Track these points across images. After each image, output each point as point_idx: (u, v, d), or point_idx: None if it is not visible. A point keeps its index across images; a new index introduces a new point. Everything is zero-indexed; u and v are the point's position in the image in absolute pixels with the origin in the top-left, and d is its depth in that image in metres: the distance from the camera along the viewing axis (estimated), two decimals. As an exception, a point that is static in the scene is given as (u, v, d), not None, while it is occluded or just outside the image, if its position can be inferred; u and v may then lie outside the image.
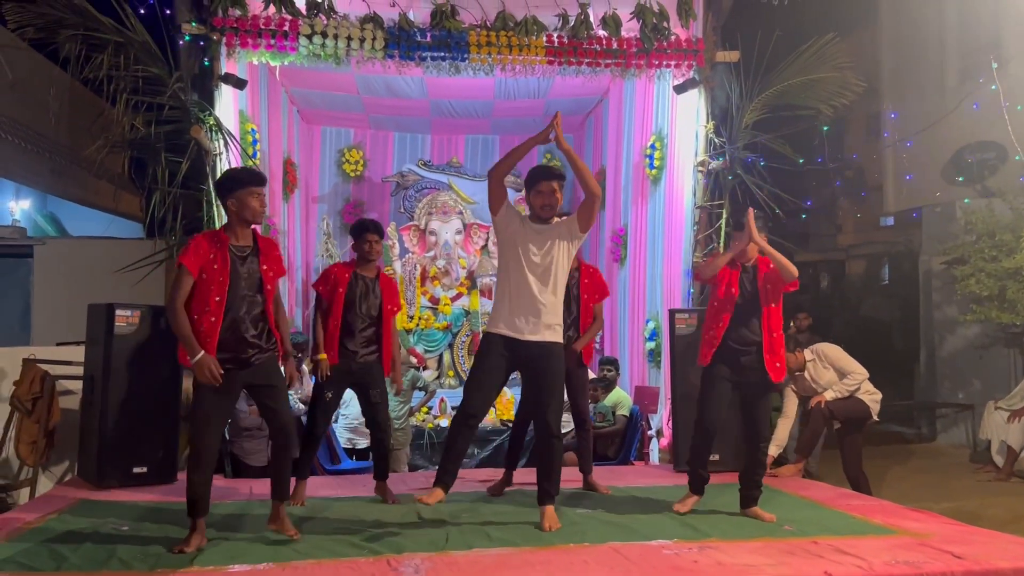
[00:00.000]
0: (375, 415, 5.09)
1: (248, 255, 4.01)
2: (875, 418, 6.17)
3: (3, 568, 3.51)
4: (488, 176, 4.42)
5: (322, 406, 5.00)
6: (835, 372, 6.13)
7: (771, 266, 4.59)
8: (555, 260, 4.24)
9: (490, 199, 4.33)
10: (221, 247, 3.94)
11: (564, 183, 4.47)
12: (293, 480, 4.39)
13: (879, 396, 6.15)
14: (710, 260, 4.98)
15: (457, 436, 4.27)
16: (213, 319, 3.86)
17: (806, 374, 6.20)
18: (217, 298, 3.87)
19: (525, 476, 5.58)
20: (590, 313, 5.39)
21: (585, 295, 5.35)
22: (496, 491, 5.18)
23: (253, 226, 4.11)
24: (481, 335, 4.51)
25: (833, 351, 6.21)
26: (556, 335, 4.26)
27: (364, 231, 5.04)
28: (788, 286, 4.55)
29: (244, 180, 4.03)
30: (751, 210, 4.62)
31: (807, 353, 6.23)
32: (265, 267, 4.04)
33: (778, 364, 4.55)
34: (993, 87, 9.22)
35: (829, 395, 6.04)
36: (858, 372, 6.08)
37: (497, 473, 5.52)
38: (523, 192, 4.60)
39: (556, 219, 4.38)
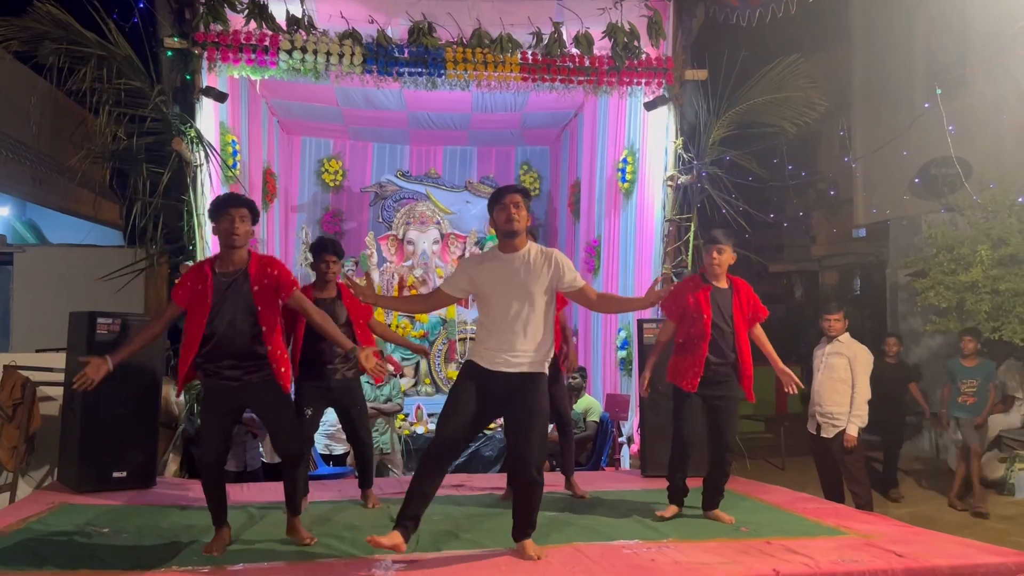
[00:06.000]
0: (357, 430, 5.19)
1: (236, 279, 4.02)
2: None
3: (-14, 567, 3.63)
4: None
5: (303, 424, 4.92)
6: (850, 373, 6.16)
7: (746, 289, 4.82)
8: (526, 289, 3.91)
9: (450, 299, 4.22)
10: (204, 277, 4.02)
11: (529, 199, 4.11)
12: None
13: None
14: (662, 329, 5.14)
15: (424, 475, 3.85)
16: (189, 345, 3.99)
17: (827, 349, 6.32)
18: (196, 324, 3.98)
19: (496, 481, 5.76)
20: (558, 324, 5.52)
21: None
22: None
23: (247, 249, 4.10)
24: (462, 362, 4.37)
25: (863, 360, 6.22)
26: (536, 366, 3.92)
27: (322, 251, 5.06)
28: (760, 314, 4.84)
29: (218, 205, 4.07)
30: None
31: (844, 337, 6.27)
32: (256, 288, 4.01)
33: (745, 380, 4.75)
34: (939, 113, 9.49)
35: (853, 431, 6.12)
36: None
37: (473, 478, 5.67)
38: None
39: (529, 241, 4.10)
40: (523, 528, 3.95)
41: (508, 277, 3.93)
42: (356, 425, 5.18)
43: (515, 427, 3.91)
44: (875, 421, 8.10)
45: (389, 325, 9.55)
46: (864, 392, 6.16)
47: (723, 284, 4.81)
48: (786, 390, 4.68)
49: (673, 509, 4.81)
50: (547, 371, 4.00)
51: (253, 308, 3.98)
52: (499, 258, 4.00)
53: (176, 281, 4.14)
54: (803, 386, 4.80)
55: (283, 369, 4.03)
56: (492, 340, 3.91)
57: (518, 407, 3.89)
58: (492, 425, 8.09)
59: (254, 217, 4.09)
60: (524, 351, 3.87)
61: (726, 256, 4.77)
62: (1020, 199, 8.31)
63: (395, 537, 3.69)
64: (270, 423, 4.15)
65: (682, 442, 4.79)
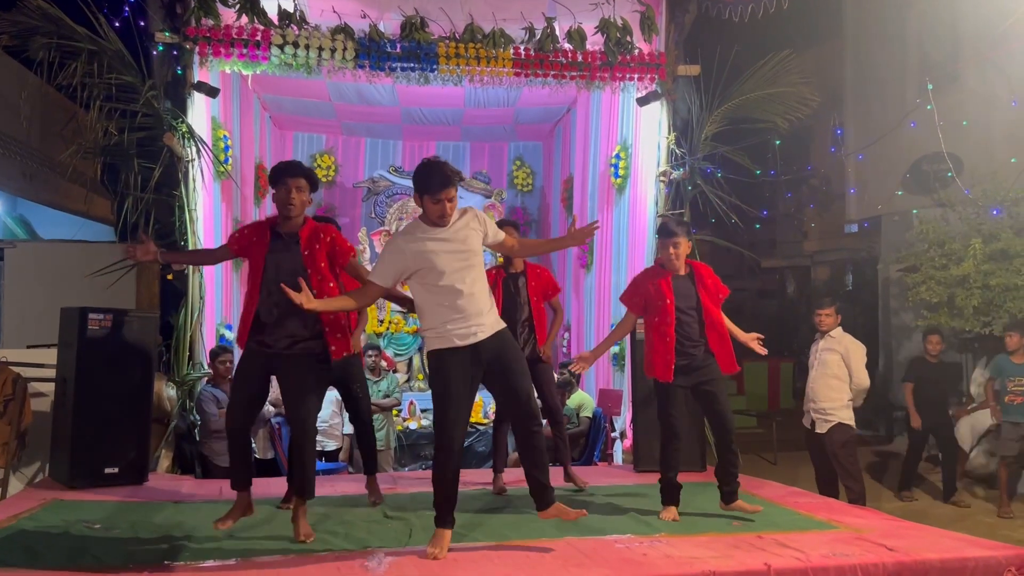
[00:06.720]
0: (358, 409, 5.15)
1: (288, 241, 4.08)
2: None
3: (-23, 565, 3.62)
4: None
5: None
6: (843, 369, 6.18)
7: (707, 271, 4.80)
8: (469, 253, 3.92)
9: (383, 291, 4.11)
10: (263, 232, 4.12)
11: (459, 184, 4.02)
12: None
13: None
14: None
15: (447, 474, 3.89)
16: (250, 298, 4.07)
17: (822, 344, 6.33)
18: (254, 280, 4.06)
19: (490, 476, 5.76)
20: (543, 312, 5.48)
21: (535, 297, 5.41)
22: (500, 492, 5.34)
23: (303, 215, 4.15)
24: (427, 356, 4.11)
25: (857, 353, 6.22)
26: (499, 320, 4.02)
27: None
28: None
29: (276, 174, 4.13)
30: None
31: (837, 332, 6.28)
32: (307, 253, 4.05)
33: (725, 357, 4.69)
34: (929, 106, 9.57)
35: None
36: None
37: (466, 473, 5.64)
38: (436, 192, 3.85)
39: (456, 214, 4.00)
40: (543, 485, 3.95)
41: (452, 247, 3.88)
42: (359, 404, 5.13)
43: (507, 379, 3.96)
44: (929, 426, 8.01)
45: (382, 323, 9.56)
46: (862, 381, 6.14)
47: (683, 272, 4.76)
48: (759, 351, 4.73)
49: (672, 510, 4.65)
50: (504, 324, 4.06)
51: (302, 271, 4.01)
52: (433, 232, 3.90)
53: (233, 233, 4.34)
54: (764, 351, 4.80)
55: (338, 335, 4.09)
56: (455, 313, 3.85)
57: (505, 361, 3.93)
58: (485, 420, 8.11)
59: (312, 187, 4.18)
60: (485, 311, 3.91)
61: (683, 248, 4.70)
62: (1011, 194, 8.36)
63: (445, 538, 3.83)
64: (288, 392, 4.16)
65: (674, 436, 4.68)
